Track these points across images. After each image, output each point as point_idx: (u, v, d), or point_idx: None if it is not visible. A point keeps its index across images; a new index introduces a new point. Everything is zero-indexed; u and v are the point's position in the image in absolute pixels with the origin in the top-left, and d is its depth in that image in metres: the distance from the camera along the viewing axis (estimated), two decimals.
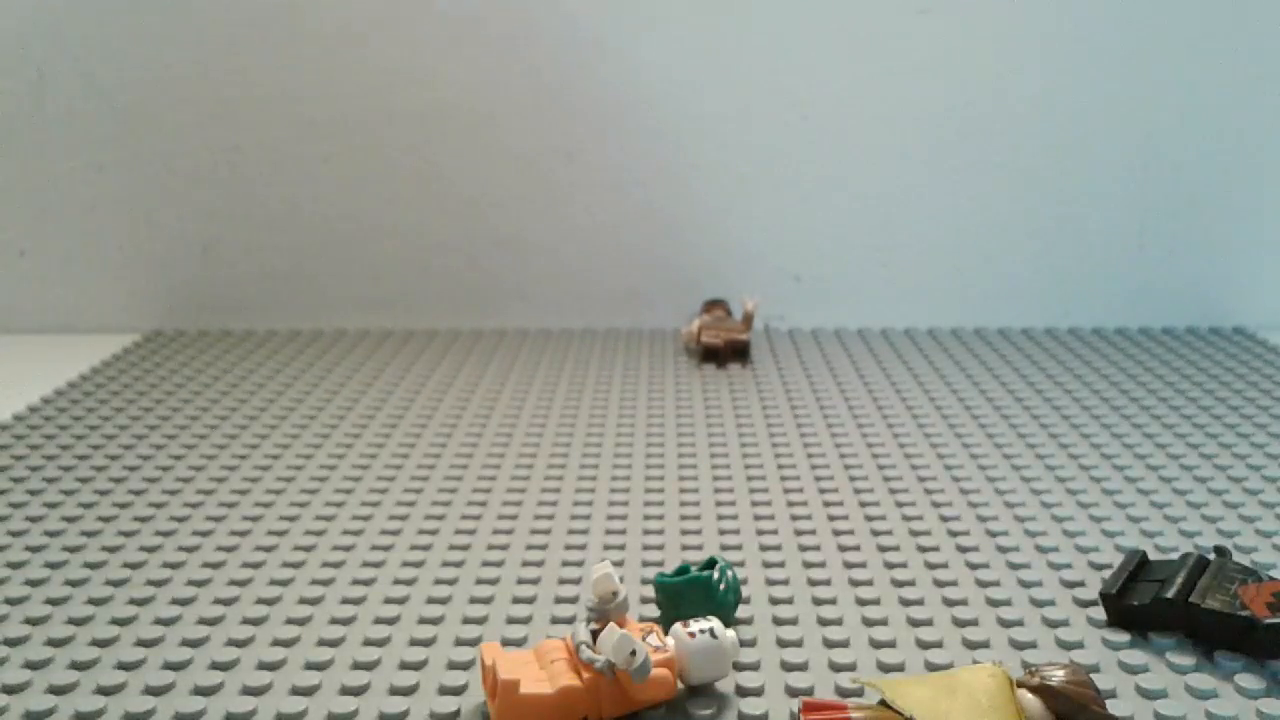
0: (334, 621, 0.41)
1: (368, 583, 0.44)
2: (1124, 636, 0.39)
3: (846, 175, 0.78)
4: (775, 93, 0.77)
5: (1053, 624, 0.40)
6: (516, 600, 0.42)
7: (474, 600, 0.42)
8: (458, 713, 0.35)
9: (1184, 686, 0.36)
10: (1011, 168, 0.78)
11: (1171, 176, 0.77)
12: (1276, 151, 0.77)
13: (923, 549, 0.46)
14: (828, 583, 0.43)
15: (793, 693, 0.36)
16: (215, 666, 0.38)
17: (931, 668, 0.37)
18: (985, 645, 0.39)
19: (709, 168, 0.78)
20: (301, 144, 0.78)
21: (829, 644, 0.39)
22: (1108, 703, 0.34)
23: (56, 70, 0.76)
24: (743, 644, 0.39)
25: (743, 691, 0.36)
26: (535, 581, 0.44)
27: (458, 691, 0.36)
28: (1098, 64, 0.76)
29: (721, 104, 0.77)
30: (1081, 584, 0.43)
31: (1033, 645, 0.39)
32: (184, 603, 0.42)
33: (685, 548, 0.47)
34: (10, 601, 0.42)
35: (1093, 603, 0.42)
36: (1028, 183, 0.78)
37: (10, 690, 0.36)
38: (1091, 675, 0.34)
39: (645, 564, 0.45)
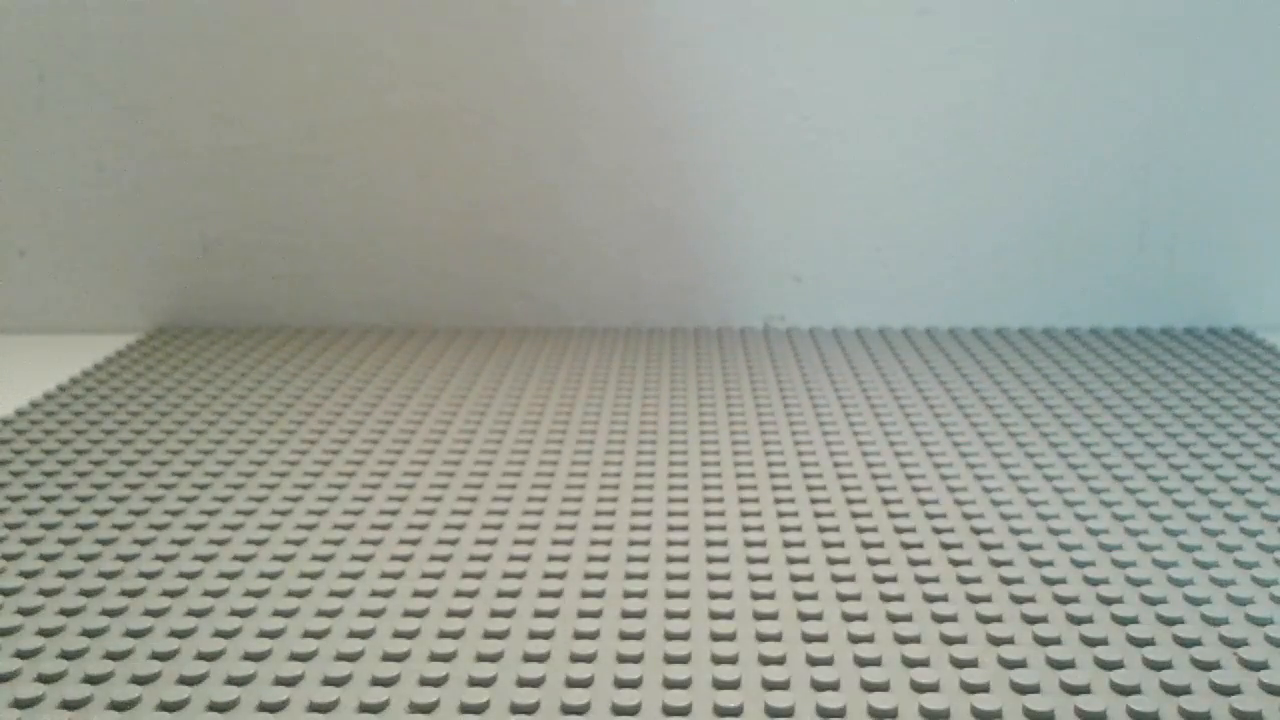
0: (320, 614, 0.41)
1: (355, 576, 0.44)
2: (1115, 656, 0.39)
3: (846, 175, 0.78)
4: (775, 93, 0.77)
5: (1031, 619, 0.41)
6: (500, 595, 0.43)
7: (459, 594, 0.43)
8: (488, 704, 0.36)
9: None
10: (1011, 168, 0.78)
11: (1172, 176, 0.77)
12: (1276, 151, 0.77)
13: (907, 547, 0.47)
14: (814, 597, 0.42)
15: (772, 712, 0.35)
16: (201, 656, 0.39)
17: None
18: (963, 640, 0.39)
19: (709, 168, 0.79)
20: (301, 144, 0.78)
21: (812, 661, 0.38)
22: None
23: (56, 70, 0.77)
24: (722, 660, 0.39)
25: (720, 711, 0.35)
26: (520, 576, 0.44)
27: (486, 684, 0.37)
28: (1097, 64, 0.76)
29: (721, 104, 0.77)
30: (1063, 581, 0.43)
31: (1010, 641, 0.39)
32: (173, 594, 0.43)
33: (671, 543, 0.47)
34: (4, 592, 0.43)
35: (1072, 598, 0.42)
36: (1027, 183, 0.78)
37: None
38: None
39: (630, 559, 0.46)
